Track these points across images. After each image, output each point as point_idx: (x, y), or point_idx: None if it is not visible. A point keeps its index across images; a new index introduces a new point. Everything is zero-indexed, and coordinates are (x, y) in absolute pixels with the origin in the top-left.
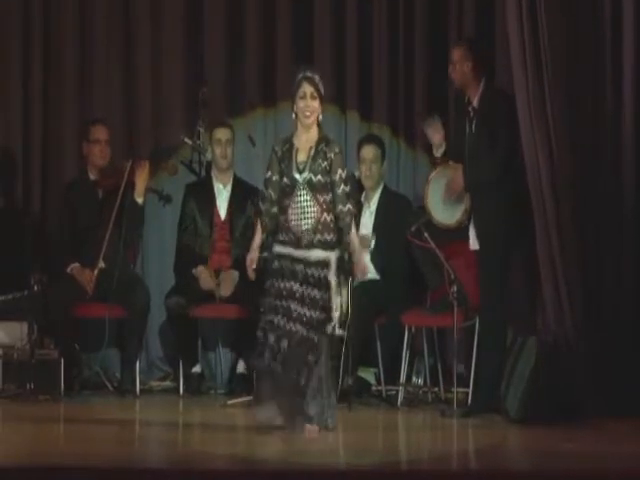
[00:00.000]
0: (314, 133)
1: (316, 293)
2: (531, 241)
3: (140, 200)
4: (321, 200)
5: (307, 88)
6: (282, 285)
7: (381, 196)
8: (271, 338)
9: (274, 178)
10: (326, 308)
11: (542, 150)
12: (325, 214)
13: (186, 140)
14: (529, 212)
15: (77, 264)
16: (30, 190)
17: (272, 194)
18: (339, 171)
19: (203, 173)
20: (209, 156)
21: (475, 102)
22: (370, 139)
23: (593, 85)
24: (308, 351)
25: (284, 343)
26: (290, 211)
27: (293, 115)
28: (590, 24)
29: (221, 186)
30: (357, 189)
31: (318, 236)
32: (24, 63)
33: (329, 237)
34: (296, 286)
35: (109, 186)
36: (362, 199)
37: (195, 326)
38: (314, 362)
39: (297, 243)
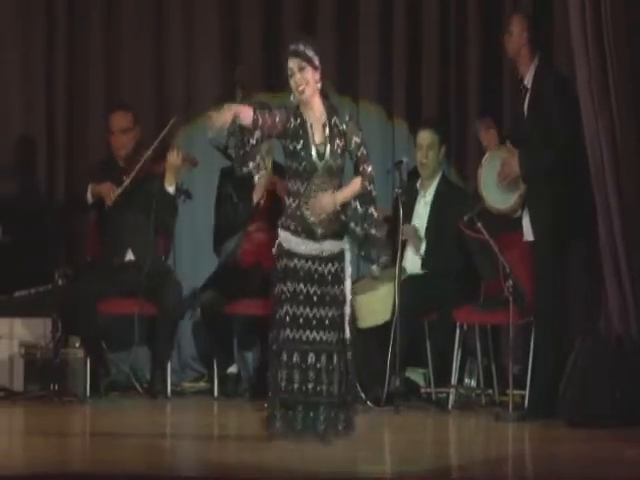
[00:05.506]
0: (319, 105)
1: (336, 290)
2: (591, 233)
3: (171, 189)
4: (336, 185)
5: (291, 63)
6: (297, 289)
7: (438, 186)
8: (295, 357)
9: (278, 118)
10: (345, 303)
11: (605, 139)
12: None
13: None
14: (590, 202)
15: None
16: (54, 178)
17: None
18: (354, 139)
19: None
20: None
21: (527, 80)
22: (427, 123)
23: None
24: (337, 357)
25: (311, 358)
26: (304, 199)
27: (291, 97)
28: None
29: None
30: (407, 175)
31: (332, 226)
32: (48, 45)
33: (342, 224)
34: (313, 288)
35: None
36: (417, 186)
37: (231, 323)
38: (346, 366)
39: (312, 234)
